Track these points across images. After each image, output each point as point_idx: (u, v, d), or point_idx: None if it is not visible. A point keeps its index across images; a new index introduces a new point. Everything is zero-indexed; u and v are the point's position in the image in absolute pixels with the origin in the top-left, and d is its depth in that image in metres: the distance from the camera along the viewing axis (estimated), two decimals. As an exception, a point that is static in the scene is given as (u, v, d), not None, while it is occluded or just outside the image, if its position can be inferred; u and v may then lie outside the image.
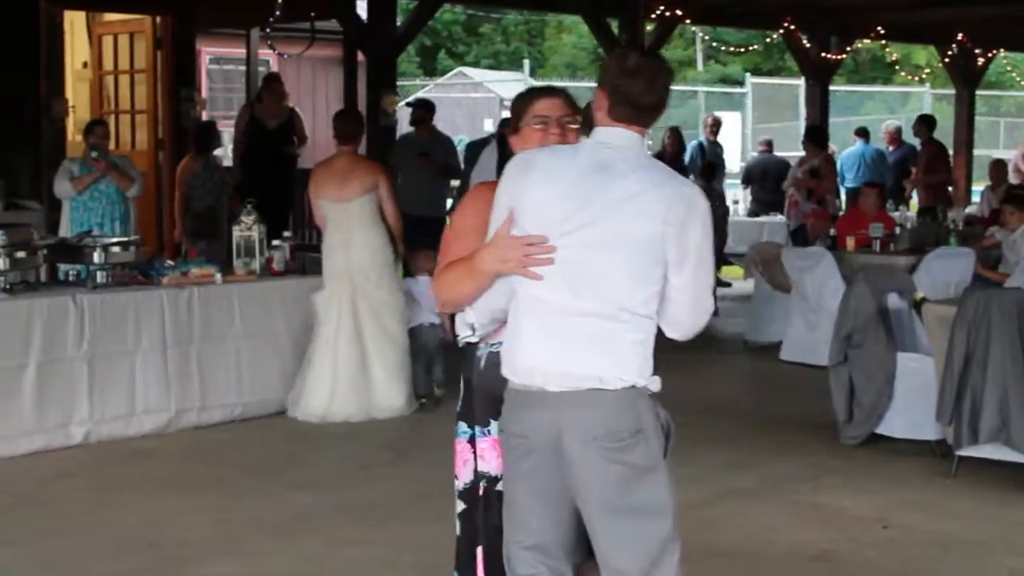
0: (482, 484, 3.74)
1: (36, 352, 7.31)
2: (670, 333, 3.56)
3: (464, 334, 3.66)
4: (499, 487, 3.68)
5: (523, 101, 3.79)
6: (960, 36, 17.77)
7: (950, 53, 18.68)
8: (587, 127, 3.66)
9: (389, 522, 6.15)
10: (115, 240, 8.08)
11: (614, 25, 14.96)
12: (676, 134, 14.72)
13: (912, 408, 7.46)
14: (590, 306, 3.41)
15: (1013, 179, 16.17)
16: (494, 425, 3.69)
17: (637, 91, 3.46)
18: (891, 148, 17.22)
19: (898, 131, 17.61)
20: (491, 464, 3.72)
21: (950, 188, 16.72)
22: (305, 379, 8.23)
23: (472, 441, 3.77)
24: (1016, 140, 28.41)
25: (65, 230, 9.50)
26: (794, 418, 8.40)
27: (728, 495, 6.68)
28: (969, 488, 6.82)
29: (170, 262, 8.37)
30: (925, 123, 16.35)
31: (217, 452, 7.50)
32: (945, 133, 19.58)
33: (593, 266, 3.41)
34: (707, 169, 13.40)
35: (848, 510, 6.46)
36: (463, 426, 3.80)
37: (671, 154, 14.25)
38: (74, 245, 7.95)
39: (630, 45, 3.32)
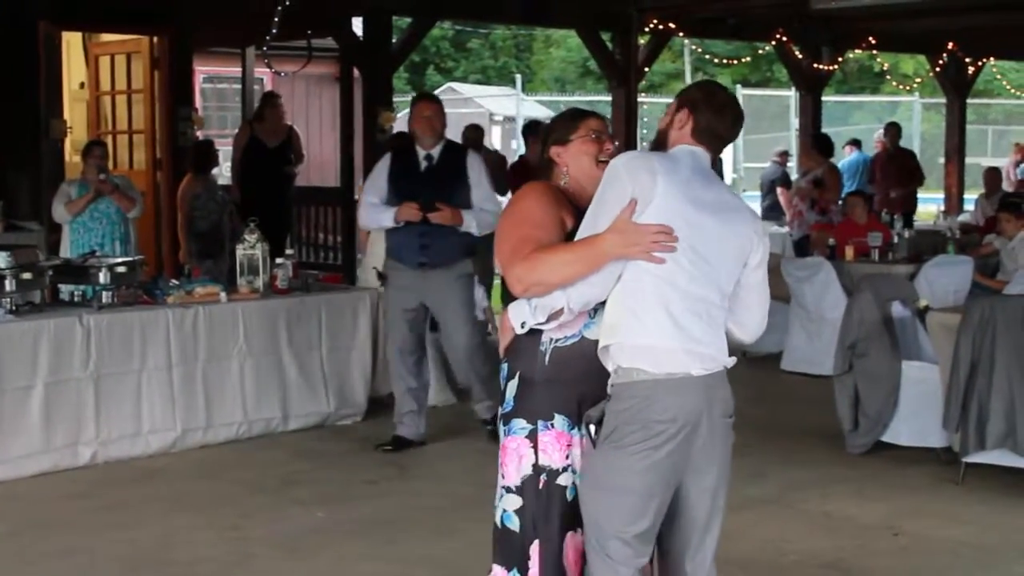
0: (543, 478, 3.80)
1: (43, 373, 7.31)
2: (740, 335, 3.88)
3: (537, 321, 3.73)
4: (560, 480, 3.80)
5: (575, 119, 4.06)
6: (951, 45, 17.85)
7: (941, 62, 18.76)
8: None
9: (401, 537, 6.17)
10: (120, 260, 8.08)
11: (607, 38, 15.05)
12: None
13: (917, 416, 7.51)
14: (707, 292, 3.69)
15: (1005, 187, 16.24)
16: (558, 419, 3.80)
17: (724, 126, 3.85)
18: (884, 157, 17.25)
19: (890, 140, 17.64)
20: (553, 457, 3.80)
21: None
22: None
23: (532, 436, 3.81)
24: (1004, 148, 28.54)
25: (65, 251, 9.51)
26: (798, 427, 8.44)
27: (738, 504, 6.63)
28: (977, 494, 6.87)
29: (175, 281, 8.39)
30: (896, 129, 16.37)
31: (225, 470, 7.51)
32: (936, 141, 19.67)
33: (709, 257, 3.67)
34: None
35: (857, 518, 6.50)
36: (520, 423, 3.83)
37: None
38: (79, 266, 7.95)
39: (711, 80, 3.71)
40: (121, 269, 7.85)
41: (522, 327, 3.77)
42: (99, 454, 7.54)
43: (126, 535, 6.25)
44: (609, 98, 15.50)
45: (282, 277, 8.50)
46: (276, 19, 11.62)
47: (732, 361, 3.77)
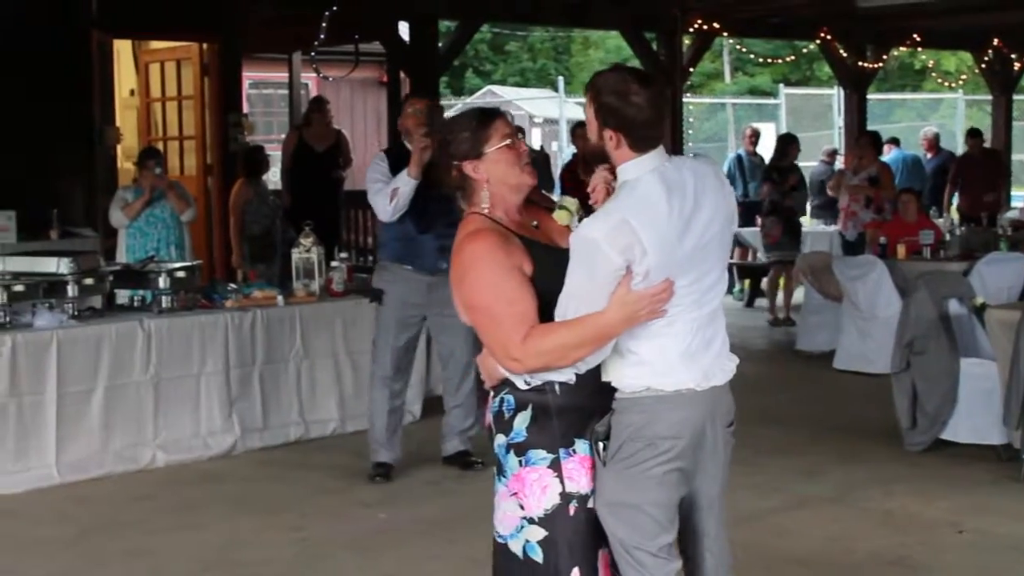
0: (572, 505, 3.64)
1: (103, 377, 7.41)
2: None
3: (538, 384, 3.61)
4: (590, 504, 3.64)
5: (482, 126, 3.72)
6: (996, 41, 17.76)
7: (986, 59, 18.66)
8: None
9: (465, 536, 6.18)
10: (179, 265, 8.17)
11: (650, 39, 15.06)
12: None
13: (976, 413, 7.48)
14: (708, 308, 3.60)
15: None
16: (579, 443, 3.64)
17: (651, 123, 3.51)
18: (929, 155, 17.17)
19: (936, 137, 17.55)
20: (581, 483, 3.64)
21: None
22: None
23: (555, 465, 3.64)
24: (1049, 144, 28.29)
25: (121, 256, 9.61)
26: (856, 426, 8.42)
27: (799, 503, 6.72)
28: (1039, 491, 6.86)
29: (233, 285, 8.47)
30: (979, 136, 16.32)
31: (286, 472, 7.57)
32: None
33: (707, 263, 3.57)
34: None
35: (921, 516, 6.49)
36: (540, 453, 3.64)
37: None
38: (139, 271, 8.04)
39: (618, 70, 3.23)
40: (180, 274, 7.94)
41: (526, 384, 3.62)
42: (158, 457, 7.63)
43: (193, 536, 6.32)
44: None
45: (337, 280, 8.56)
46: (324, 24, 11.72)
47: (735, 364, 3.67)
